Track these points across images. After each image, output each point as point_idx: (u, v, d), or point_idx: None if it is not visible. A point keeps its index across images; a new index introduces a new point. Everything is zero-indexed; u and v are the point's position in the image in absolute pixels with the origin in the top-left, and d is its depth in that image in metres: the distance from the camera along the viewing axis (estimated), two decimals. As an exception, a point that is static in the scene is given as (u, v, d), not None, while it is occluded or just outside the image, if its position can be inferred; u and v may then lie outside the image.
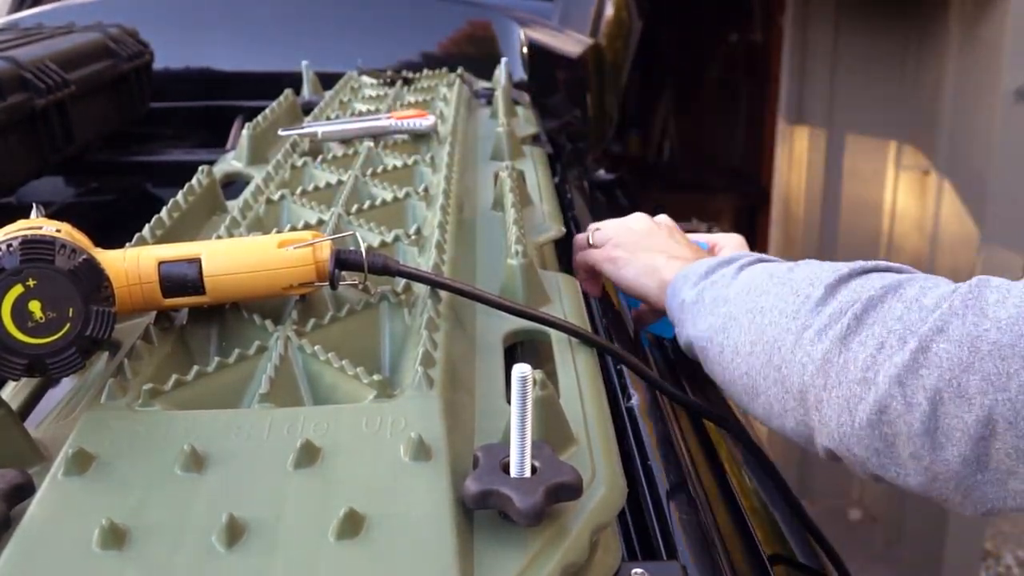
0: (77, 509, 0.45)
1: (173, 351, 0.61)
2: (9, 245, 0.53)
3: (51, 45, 1.41)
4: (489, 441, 0.51)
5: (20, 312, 0.53)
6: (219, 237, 0.76)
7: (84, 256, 0.55)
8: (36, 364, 0.54)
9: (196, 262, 0.61)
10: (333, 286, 0.64)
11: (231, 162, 1.08)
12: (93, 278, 0.55)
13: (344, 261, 0.64)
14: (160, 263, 0.61)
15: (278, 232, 0.76)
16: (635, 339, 1.00)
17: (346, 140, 1.09)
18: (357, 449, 0.49)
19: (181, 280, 0.61)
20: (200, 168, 0.91)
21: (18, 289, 0.52)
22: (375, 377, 0.54)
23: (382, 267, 0.64)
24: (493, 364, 0.63)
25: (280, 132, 1.10)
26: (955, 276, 0.65)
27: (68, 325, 0.54)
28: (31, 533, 0.43)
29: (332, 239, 0.65)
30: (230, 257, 0.62)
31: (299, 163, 0.99)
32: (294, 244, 0.63)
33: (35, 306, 0.53)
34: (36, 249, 0.53)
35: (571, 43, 1.87)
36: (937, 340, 0.59)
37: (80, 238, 0.58)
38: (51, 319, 0.54)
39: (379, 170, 0.96)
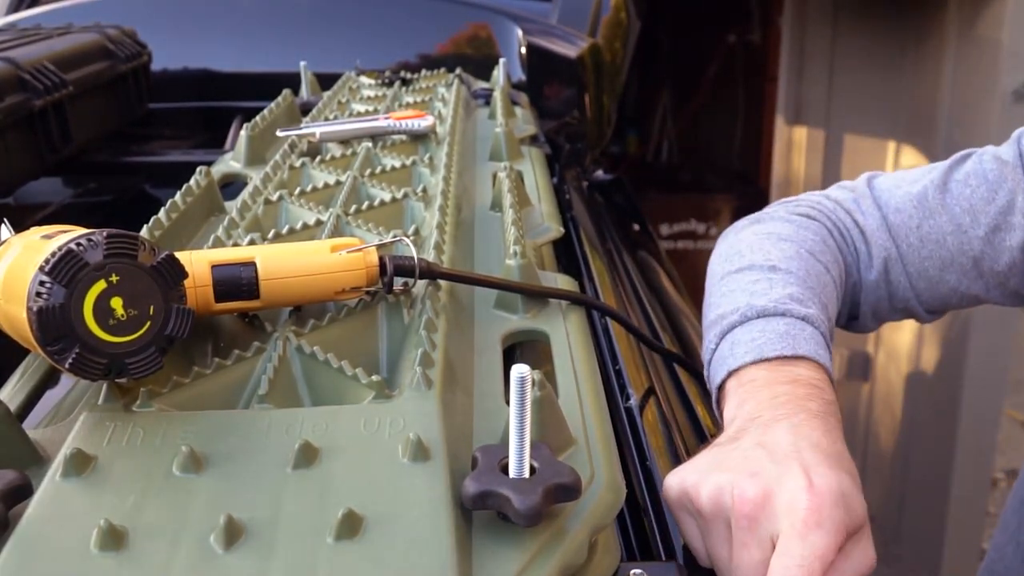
0: (75, 510, 0.45)
1: (171, 352, 0.61)
2: (91, 239, 0.51)
3: (49, 46, 1.41)
4: (488, 442, 0.51)
5: (102, 309, 0.51)
6: (218, 238, 0.76)
7: (166, 253, 0.53)
8: (115, 364, 0.52)
9: (251, 265, 0.59)
10: (389, 290, 0.64)
11: (229, 163, 1.07)
12: (174, 275, 0.54)
13: (400, 267, 0.64)
14: (213, 266, 0.59)
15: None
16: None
17: (344, 141, 1.09)
18: (356, 450, 0.49)
19: (235, 283, 0.59)
20: (198, 169, 0.91)
21: (101, 285, 0.51)
22: (374, 378, 0.54)
23: (427, 271, 0.65)
24: (492, 365, 0.63)
25: (278, 133, 1.10)
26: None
27: (148, 323, 0.52)
28: (29, 534, 0.43)
29: (381, 244, 0.65)
30: (285, 260, 0.61)
31: (297, 164, 0.99)
32: (345, 249, 0.62)
33: (117, 303, 0.51)
34: (120, 244, 0.51)
35: (569, 44, 1.87)
36: None
37: None
38: (132, 317, 0.52)
39: (377, 171, 0.96)
